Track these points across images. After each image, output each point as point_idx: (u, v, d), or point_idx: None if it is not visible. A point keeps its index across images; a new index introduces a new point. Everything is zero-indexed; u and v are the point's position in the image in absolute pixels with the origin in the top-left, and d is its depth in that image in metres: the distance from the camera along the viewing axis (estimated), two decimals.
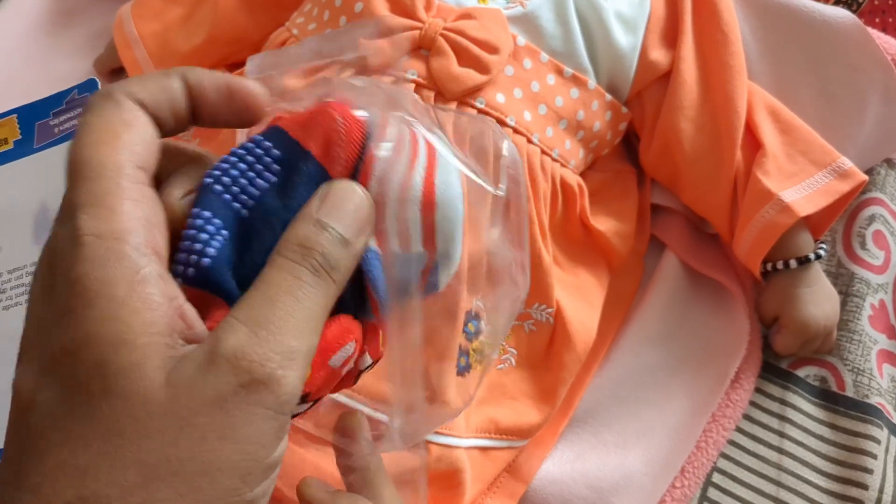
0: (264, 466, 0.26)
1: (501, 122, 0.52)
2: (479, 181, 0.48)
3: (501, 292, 0.51)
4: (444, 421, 0.49)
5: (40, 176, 0.45)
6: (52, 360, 0.25)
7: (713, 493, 0.58)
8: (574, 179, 0.56)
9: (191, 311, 0.27)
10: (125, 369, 0.25)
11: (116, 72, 0.68)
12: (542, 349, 0.56)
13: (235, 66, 0.65)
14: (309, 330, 0.27)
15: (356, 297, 0.31)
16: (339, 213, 0.29)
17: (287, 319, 0.27)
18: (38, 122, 0.40)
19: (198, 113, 0.30)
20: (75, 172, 0.27)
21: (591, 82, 0.56)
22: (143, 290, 0.25)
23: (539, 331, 0.55)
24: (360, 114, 0.31)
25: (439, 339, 0.49)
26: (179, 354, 0.26)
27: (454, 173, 0.34)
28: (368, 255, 0.30)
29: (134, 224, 0.26)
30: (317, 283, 0.28)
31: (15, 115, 0.41)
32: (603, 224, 0.59)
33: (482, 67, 0.52)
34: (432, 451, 0.49)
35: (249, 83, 0.31)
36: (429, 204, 0.32)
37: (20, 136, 0.41)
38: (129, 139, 0.27)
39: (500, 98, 0.52)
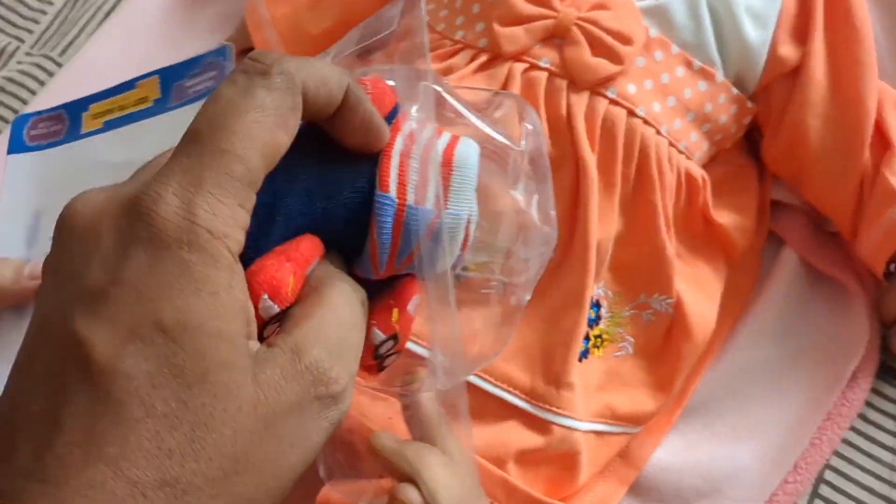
0: (304, 469, 0.28)
1: (631, 113, 0.53)
2: (504, 141, 0.48)
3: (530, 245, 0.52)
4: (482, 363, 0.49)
5: (172, 132, 0.48)
6: (146, 332, 0.25)
7: (825, 490, 0.58)
8: (698, 172, 0.57)
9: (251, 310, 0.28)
10: (223, 364, 0.25)
11: (247, 52, 0.71)
12: (660, 339, 0.56)
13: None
14: (359, 352, 0.30)
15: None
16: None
17: (344, 341, 0.29)
18: (175, 83, 0.42)
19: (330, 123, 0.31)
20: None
21: (719, 76, 0.56)
22: (237, 289, 0.26)
23: (658, 321, 0.56)
24: (390, 83, 0.33)
25: (566, 324, 0.50)
26: (254, 352, 0.27)
27: (474, 151, 0.34)
28: (383, 201, 0.31)
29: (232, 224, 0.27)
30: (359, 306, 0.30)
31: (157, 76, 0.43)
32: (723, 217, 0.59)
33: (615, 58, 0.52)
34: (555, 431, 0.50)
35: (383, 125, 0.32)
36: (447, 164, 0.33)
37: (159, 96, 0.43)
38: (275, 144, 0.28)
39: (631, 89, 0.53)
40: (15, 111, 0.72)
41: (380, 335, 0.34)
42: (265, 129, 0.27)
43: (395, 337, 0.35)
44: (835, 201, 0.59)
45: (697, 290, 0.57)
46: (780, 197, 0.63)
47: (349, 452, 0.46)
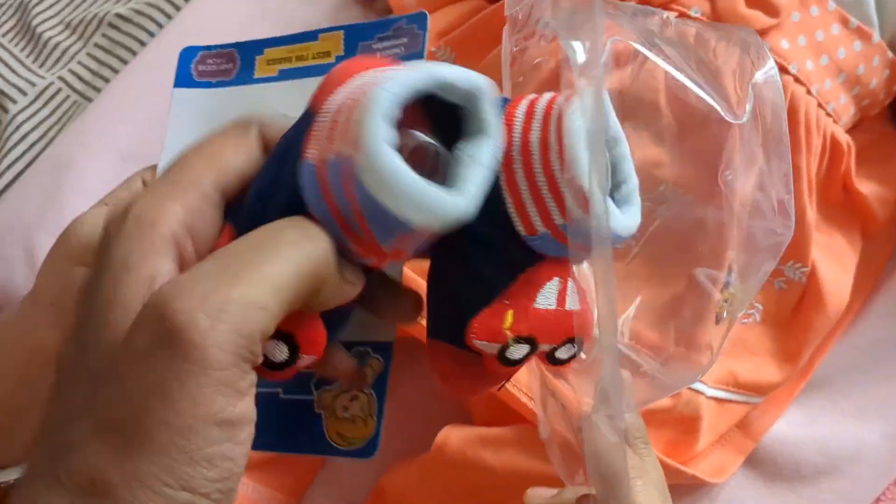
0: (213, 423, 0.25)
1: (783, 69, 0.51)
2: (712, 103, 0.46)
3: (757, 240, 0.50)
4: (699, 374, 0.48)
5: None
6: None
7: None
8: (844, 137, 0.54)
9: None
10: (112, 329, 0.27)
11: None
12: (791, 309, 0.54)
13: None
14: (267, 284, 0.26)
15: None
16: None
17: (225, 270, 0.26)
18: (361, 43, 0.41)
19: None
20: (172, 166, 0.30)
21: (876, 36, 0.53)
22: (143, 266, 0.27)
23: (789, 289, 0.54)
24: None
25: (700, 284, 0.49)
26: None
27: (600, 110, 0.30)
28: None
29: (171, 217, 0.28)
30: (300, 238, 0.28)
31: (342, 32, 0.42)
32: (865, 187, 0.56)
33: (771, 10, 0.50)
34: (682, 393, 0.49)
35: None
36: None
37: (342, 53, 0.42)
38: (226, 163, 0.30)
39: (784, 44, 0.51)
40: (141, 42, 0.73)
41: (487, 345, 0.31)
42: None
43: (526, 340, 0.31)
44: None
45: (833, 260, 0.55)
46: None
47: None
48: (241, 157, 0.30)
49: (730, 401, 0.53)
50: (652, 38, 0.45)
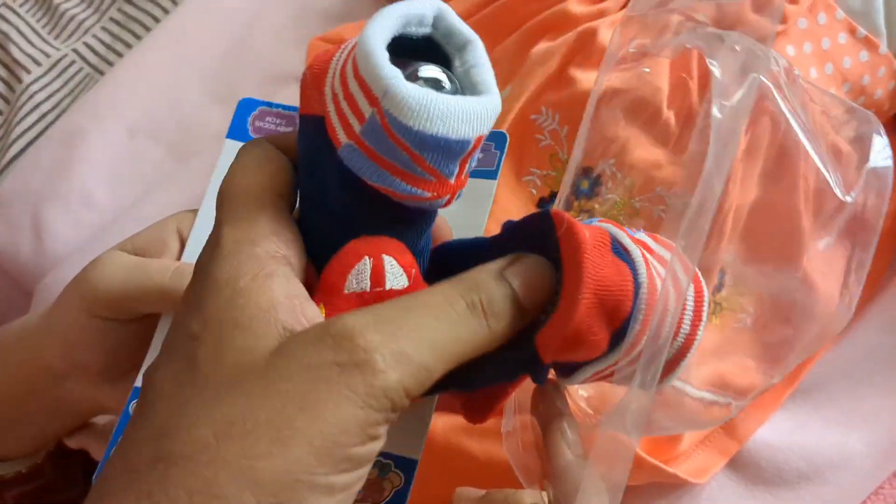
0: (344, 456, 0.25)
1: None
2: (831, 182, 0.46)
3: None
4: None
5: None
6: (177, 345, 0.27)
7: None
8: (845, 147, 0.54)
9: (312, 311, 0.28)
10: (239, 349, 0.26)
11: None
12: (782, 315, 0.55)
13: None
14: (434, 351, 0.26)
15: None
16: (525, 277, 0.29)
17: (415, 329, 0.26)
18: None
19: None
20: (223, 196, 0.30)
21: (883, 47, 0.53)
22: (265, 283, 0.27)
23: (784, 296, 0.54)
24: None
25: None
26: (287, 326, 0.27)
27: None
28: None
29: (267, 233, 0.28)
30: (467, 317, 0.28)
31: None
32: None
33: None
34: (667, 393, 0.49)
35: None
36: None
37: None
38: (270, 170, 0.30)
39: (789, 50, 0.51)
40: (156, 18, 0.74)
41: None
42: None
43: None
44: None
45: (827, 269, 0.55)
46: None
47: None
48: (279, 165, 0.31)
49: (715, 402, 0.54)
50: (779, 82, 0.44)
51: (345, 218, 0.31)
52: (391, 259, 0.30)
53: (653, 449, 0.51)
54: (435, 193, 0.29)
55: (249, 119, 0.45)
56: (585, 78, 0.51)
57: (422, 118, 0.27)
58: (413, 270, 0.31)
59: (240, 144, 0.40)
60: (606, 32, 0.51)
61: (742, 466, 0.56)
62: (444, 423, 0.49)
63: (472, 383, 0.32)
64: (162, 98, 0.70)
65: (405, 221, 0.31)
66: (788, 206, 0.52)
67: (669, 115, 0.50)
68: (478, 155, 0.30)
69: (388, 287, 0.30)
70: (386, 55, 0.28)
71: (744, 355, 0.54)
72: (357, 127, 0.28)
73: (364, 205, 0.30)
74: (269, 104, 0.45)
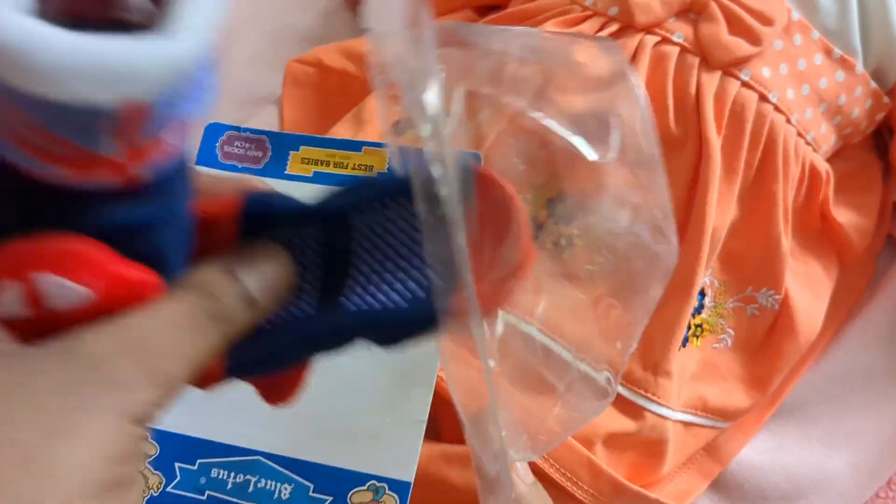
0: (108, 479, 0.24)
1: (763, 98, 0.51)
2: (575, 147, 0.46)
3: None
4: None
5: None
6: None
7: None
8: (823, 166, 0.54)
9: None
10: None
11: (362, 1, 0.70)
12: (762, 335, 0.54)
13: (481, 9, 0.66)
14: (179, 364, 0.26)
15: None
16: (263, 275, 0.28)
17: (159, 345, 0.25)
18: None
19: None
20: None
21: (859, 66, 0.53)
22: None
23: (762, 316, 0.54)
24: None
25: (670, 311, 0.49)
26: None
27: None
28: None
29: None
30: (205, 327, 0.26)
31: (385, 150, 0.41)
32: (843, 216, 0.56)
33: (753, 38, 0.50)
34: (647, 417, 0.49)
35: None
36: None
37: (385, 171, 0.41)
38: None
39: (765, 72, 0.51)
40: None
41: None
42: None
43: None
44: None
45: (807, 288, 0.55)
46: None
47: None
48: None
49: (697, 424, 0.53)
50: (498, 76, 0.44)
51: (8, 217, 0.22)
52: (49, 278, 0.22)
53: (634, 474, 0.51)
54: (81, 172, 0.21)
55: (218, 144, 0.44)
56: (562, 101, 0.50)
57: (22, 72, 0.18)
58: (89, 274, 0.23)
59: (209, 171, 0.38)
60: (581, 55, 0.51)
61: (725, 488, 0.55)
62: (424, 452, 0.48)
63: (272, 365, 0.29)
64: None
65: (73, 197, 0.21)
66: (766, 223, 0.52)
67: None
68: (180, 113, 0.21)
69: (54, 307, 0.23)
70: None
71: (725, 376, 0.54)
72: None
73: (14, 189, 0.21)
74: (237, 128, 0.44)
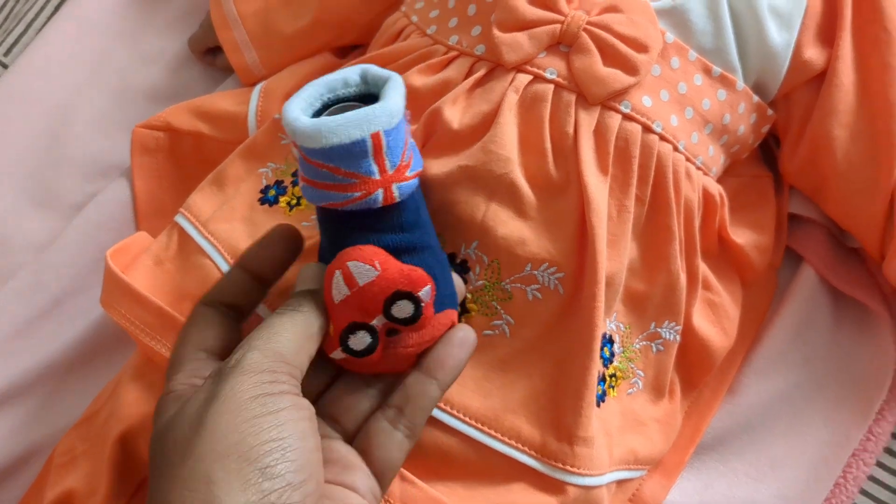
0: None
1: (647, 129, 0.47)
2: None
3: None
4: None
5: None
6: None
7: None
8: (716, 189, 0.52)
9: None
10: None
11: (212, 51, 0.64)
12: (668, 370, 0.52)
13: (341, 50, 0.61)
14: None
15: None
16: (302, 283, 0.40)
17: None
18: None
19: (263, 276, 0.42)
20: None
21: (740, 83, 0.51)
22: None
23: (666, 351, 0.51)
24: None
25: (575, 371, 0.45)
26: None
27: None
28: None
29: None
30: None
31: None
32: (741, 237, 0.54)
33: (630, 68, 0.47)
34: (570, 492, 0.45)
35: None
36: None
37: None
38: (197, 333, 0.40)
39: (646, 101, 0.48)
40: None
41: (336, 353, 0.39)
42: None
43: (356, 327, 0.38)
44: (860, 219, 0.54)
45: (708, 314, 0.53)
46: (797, 210, 0.58)
47: None
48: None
49: (628, 479, 0.50)
50: None
51: (329, 246, 0.40)
52: (355, 262, 0.37)
53: None
54: (365, 192, 0.37)
55: None
56: (435, 164, 0.46)
57: (317, 138, 0.36)
58: (376, 260, 0.37)
59: None
60: (451, 111, 0.47)
61: None
62: None
63: None
64: None
65: (364, 227, 0.38)
66: (665, 259, 0.49)
67: (525, 184, 0.46)
68: (400, 147, 0.38)
69: (361, 284, 0.37)
70: (298, 111, 0.38)
71: (644, 421, 0.51)
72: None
73: (331, 227, 0.40)
74: None
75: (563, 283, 0.46)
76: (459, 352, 0.40)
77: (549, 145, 0.46)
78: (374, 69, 0.40)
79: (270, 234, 0.42)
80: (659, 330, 0.51)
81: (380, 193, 0.37)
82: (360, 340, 0.38)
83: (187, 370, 0.38)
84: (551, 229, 0.46)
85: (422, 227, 0.40)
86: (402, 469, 0.43)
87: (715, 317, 0.53)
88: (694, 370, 0.53)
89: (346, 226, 0.39)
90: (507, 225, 0.45)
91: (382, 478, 0.38)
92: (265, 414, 0.33)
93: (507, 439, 0.44)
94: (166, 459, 0.33)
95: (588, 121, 0.47)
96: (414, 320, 0.38)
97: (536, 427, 0.45)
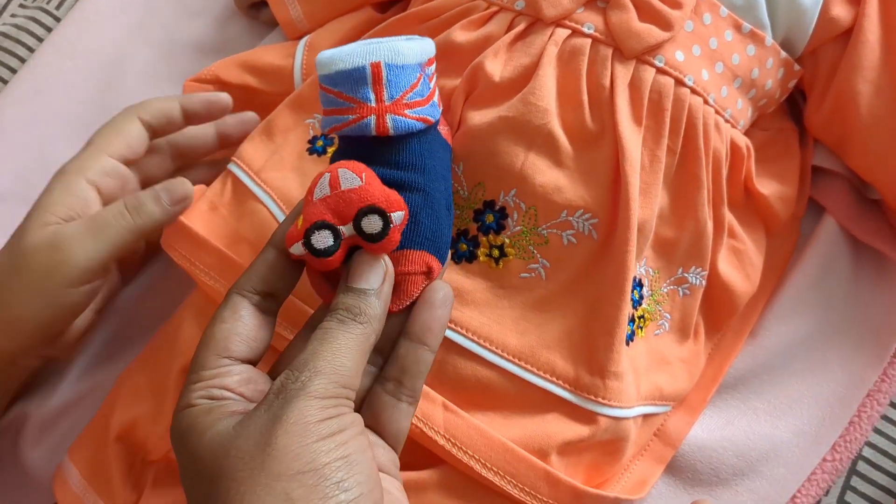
0: None
1: (679, 82, 0.50)
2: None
3: None
4: None
5: None
6: None
7: (863, 467, 0.57)
8: (743, 141, 0.54)
9: None
10: None
11: (256, 6, 0.67)
12: (693, 313, 0.55)
13: (382, 5, 0.63)
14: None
15: None
16: (360, 276, 0.40)
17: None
18: None
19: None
20: None
21: (768, 39, 0.53)
22: None
23: (692, 295, 0.54)
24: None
25: (608, 311, 0.48)
26: None
27: None
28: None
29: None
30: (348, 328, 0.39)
31: None
32: (766, 187, 0.56)
33: (664, 23, 0.49)
34: (601, 422, 0.48)
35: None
36: None
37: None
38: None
39: (679, 56, 0.50)
40: (12, 69, 0.68)
41: (296, 247, 0.40)
42: None
43: (319, 226, 0.39)
44: (883, 172, 0.57)
45: (732, 260, 0.55)
46: (820, 163, 0.60)
47: None
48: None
49: (653, 414, 0.53)
50: None
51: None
52: (344, 169, 0.39)
53: (592, 475, 0.51)
54: (358, 115, 0.40)
55: None
56: (476, 115, 0.49)
57: (328, 65, 0.41)
58: (364, 174, 0.40)
59: None
60: (492, 64, 0.49)
61: (679, 472, 0.56)
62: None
63: None
64: (30, 157, 0.64)
65: (358, 155, 0.41)
66: (693, 207, 0.52)
67: (562, 135, 0.48)
68: (404, 86, 0.41)
69: (343, 188, 0.39)
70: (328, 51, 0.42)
71: (670, 361, 0.54)
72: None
73: (337, 156, 0.43)
74: None
75: (597, 228, 0.49)
76: (443, 313, 0.42)
77: (585, 97, 0.49)
78: (416, 37, 0.43)
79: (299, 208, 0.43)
80: (686, 275, 0.54)
81: (372, 119, 0.40)
82: (323, 239, 0.39)
83: (208, 381, 0.39)
84: (586, 178, 0.49)
85: (423, 171, 0.42)
86: (445, 399, 0.47)
87: (739, 263, 0.56)
88: (718, 314, 0.56)
89: (348, 155, 0.42)
90: (544, 174, 0.48)
91: (397, 445, 0.41)
92: (333, 434, 0.35)
93: (542, 373, 0.47)
94: (226, 473, 0.35)
95: (624, 74, 0.49)
96: (379, 238, 0.39)
97: (570, 362, 0.48)
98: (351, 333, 0.38)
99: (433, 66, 0.44)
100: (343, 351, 0.37)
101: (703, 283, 0.54)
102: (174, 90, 0.65)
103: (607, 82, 0.49)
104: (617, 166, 0.49)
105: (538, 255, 0.49)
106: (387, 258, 0.40)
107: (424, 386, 0.46)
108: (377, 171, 0.41)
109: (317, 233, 0.39)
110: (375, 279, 0.39)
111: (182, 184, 0.53)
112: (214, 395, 0.38)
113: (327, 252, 0.39)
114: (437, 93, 0.44)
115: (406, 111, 0.41)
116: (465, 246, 0.49)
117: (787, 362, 0.57)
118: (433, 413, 0.46)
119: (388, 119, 0.41)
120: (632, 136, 0.49)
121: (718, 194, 0.53)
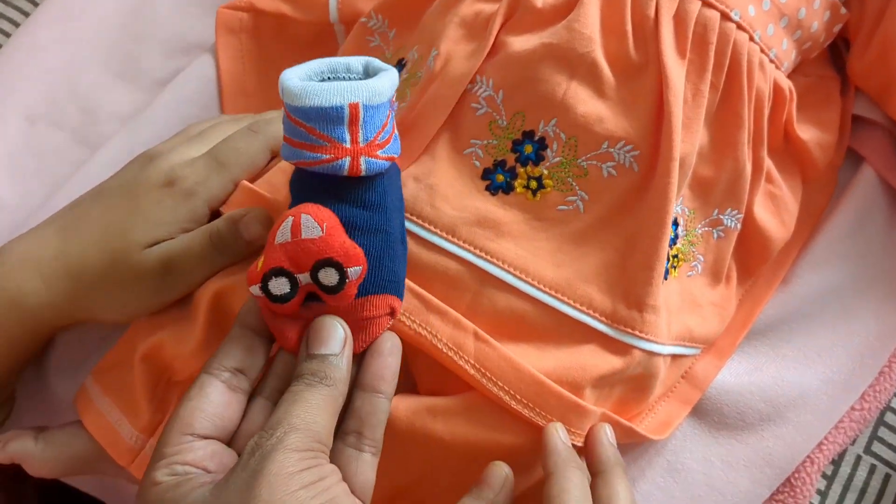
0: None
1: (725, 17, 0.49)
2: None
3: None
4: None
5: None
6: None
7: (890, 418, 0.57)
8: (786, 83, 0.53)
9: None
10: None
11: None
12: (727, 256, 0.54)
13: None
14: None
15: None
16: (320, 342, 0.41)
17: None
18: None
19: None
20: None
21: None
22: None
23: (726, 237, 0.53)
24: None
25: (647, 245, 0.48)
26: None
27: None
28: None
29: None
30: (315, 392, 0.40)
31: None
32: (805, 133, 0.55)
33: None
34: (635, 355, 0.48)
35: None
36: None
37: None
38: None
39: None
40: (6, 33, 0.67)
41: (254, 289, 0.41)
42: None
43: (277, 272, 0.40)
44: None
45: (769, 205, 0.55)
46: (861, 112, 0.59)
47: None
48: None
49: (683, 355, 0.53)
50: None
51: (294, 203, 0.42)
52: (307, 216, 0.39)
53: (619, 409, 0.50)
54: (333, 156, 0.39)
55: None
56: (517, 41, 0.48)
57: (301, 97, 0.39)
58: (325, 224, 0.40)
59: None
60: None
61: (705, 414, 0.55)
62: (408, 406, 0.47)
63: None
64: (59, 79, 0.64)
65: (328, 192, 0.41)
66: (733, 146, 0.51)
67: (605, 65, 0.48)
68: (377, 127, 0.40)
69: (303, 237, 0.40)
70: (293, 74, 0.40)
71: (701, 303, 0.54)
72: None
73: (300, 186, 0.42)
74: None
75: (638, 160, 0.48)
76: (393, 360, 0.43)
77: (629, 27, 0.48)
78: (377, 62, 0.42)
79: None
80: (721, 217, 0.53)
81: (346, 161, 0.40)
82: (280, 286, 0.40)
83: (170, 458, 0.40)
84: (629, 109, 0.48)
85: (385, 211, 0.42)
86: (476, 328, 0.46)
87: (775, 208, 0.55)
88: (751, 259, 0.56)
89: (313, 187, 0.41)
90: (586, 103, 0.47)
91: (365, 498, 0.42)
92: (315, 481, 0.37)
93: (579, 306, 0.47)
94: None
95: (669, 5, 0.48)
96: (335, 290, 0.40)
97: (608, 295, 0.47)
98: (320, 395, 0.40)
99: (395, 96, 0.43)
100: (314, 409, 0.39)
101: (738, 226, 0.54)
102: (204, 16, 0.64)
103: (652, 13, 0.48)
104: (659, 99, 0.48)
105: (577, 188, 0.48)
106: (344, 325, 0.41)
107: (456, 313, 0.46)
108: (340, 210, 0.41)
109: (274, 279, 0.40)
110: (335, 344, 0.41)
111: None
112: (177, 471, 0.39)
113: (283, 298, 0.40)
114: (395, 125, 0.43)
115: (378, 152, 0.41)
116: (501, 177, 0.48)
117: (818, 311, 0.57)
118: (464, 341, 0.46)
119: (362, 161, 0.40)
120: (676, 69, 0.48)
121: (759, 136, 0.52)
